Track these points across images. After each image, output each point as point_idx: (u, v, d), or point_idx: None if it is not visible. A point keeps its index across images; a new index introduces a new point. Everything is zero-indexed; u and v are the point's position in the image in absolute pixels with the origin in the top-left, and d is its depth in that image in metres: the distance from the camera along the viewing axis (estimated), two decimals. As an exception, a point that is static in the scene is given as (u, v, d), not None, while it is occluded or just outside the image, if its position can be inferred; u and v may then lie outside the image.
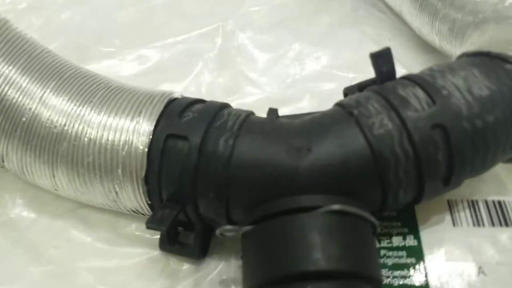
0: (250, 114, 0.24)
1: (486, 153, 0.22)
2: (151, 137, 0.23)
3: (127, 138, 0.23)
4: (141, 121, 0.23)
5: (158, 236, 0.27)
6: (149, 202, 0.24)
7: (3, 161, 0.26)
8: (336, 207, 0.20)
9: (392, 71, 0.24)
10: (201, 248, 0.26)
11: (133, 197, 0.24)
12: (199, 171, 0.22)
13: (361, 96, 0.23)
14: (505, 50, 0.24)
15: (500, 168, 0.28)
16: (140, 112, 0.23)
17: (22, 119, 0.24)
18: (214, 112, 0.23)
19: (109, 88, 0.25)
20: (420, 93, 0.22)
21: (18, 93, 0.25)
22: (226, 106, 0.25)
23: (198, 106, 0.24)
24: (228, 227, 0.21)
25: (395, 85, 0.23)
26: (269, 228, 0.20)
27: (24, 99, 0.25)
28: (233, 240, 0.27)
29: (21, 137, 0.24)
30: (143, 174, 0.23)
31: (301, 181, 0.21)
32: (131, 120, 0.23)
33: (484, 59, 0.24)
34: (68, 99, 0.25)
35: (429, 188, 0.22)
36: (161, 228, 0.22)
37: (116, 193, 0.24)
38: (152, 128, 0.23)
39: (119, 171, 0.23)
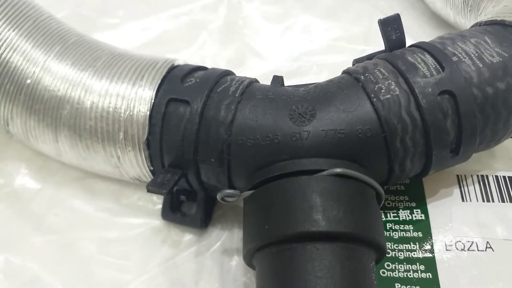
0: (253, 81, 0.24)
1: (497, 122, 0.21)
2: (152, 101, 0.22)
3: (129, 102, 0.23)
4: (143, 85, 0.23)
5: (160, 206, 0.27)
6: (151, 168, 0.24)
7: (8, 125, 0.26)
8: (338, 170, 0.19)
9: (402, 38, 0.23)
10: (204, 217, 0.25)
11: (135, 163, 0.23)
12: (200, 135, 0.22)
13: (368, 63, 0.22)
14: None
15: (511, 143, 0.27)
16: (142, 77, 0.23)
17: (27, 82, 0.24)
18: (217, 78, 0.23)
19: (112, 54, 0.25)
20: (429, 59, 0.21)
21: (22, 57, 0.24)
22: (229, 73, 0.24)
23: (200, 73, 0.24)
24: (229, 191, 0.21)
25: (404, 52, 0.22)
26: (270, 191, 0.20)
27: (28, 64, 0.24)
28: (235, 211, 0.27)
29: (25, 100, 0.24)
30: (145, 138, 0.22)
31: (304, 146, 0.20)
32: (133, 85, 0.23)
33: (497, 28, 0.23)
34: (72, 64, 0.24)
35: (437, 158, 0.21)
36: (161, 191, 0.21)
37: (118, 158, 0.23)
38: (154, 92, 0.22)
39: (121, 135, 0.23)
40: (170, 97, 0.22)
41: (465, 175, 0.25)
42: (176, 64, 0.24)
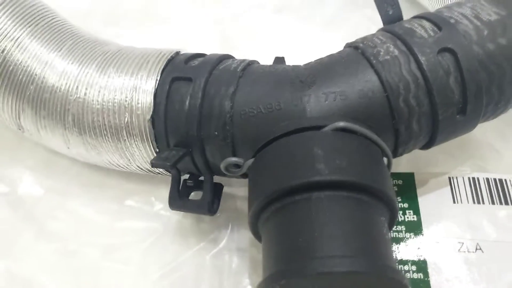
0: (255, 62, 0.25)
1: (503, 79, 0.21)
2: (157, 81, 0.23)
3: (135, 83, 0.24)
4: (148, 67, 0.24)
5: (160, 208, 0.28)
6: (157, 150, 0.24)
7: (19, 118, 0.27)
8: (341, 124, 0.19)
9: (398, 12, 0.23)
10: (211, 202, 0.25)
11: (141, 145, 0.24)
12: (203, 110, 0.22)
13: (367, 36, 0.23)
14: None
15: (501, 146, 0.28)
16: (148, 62, 0.24)
17: (36, 73, 0.25)
18: (219, 58, 0.24)
19: (119, 47, 0.26)
20: (426, 23, 0.22)
21: (29, 54, 0.26)
22: (231, 56, 0.25)
23: (202, 57, 0.25)
24: (234, 158, 0.21)
25: (401, 22, 0.23)
26: (273, 150, 0.20)
27: (35, 60, 0.25)
28: (236, 212, 0.28)
29: (35, 91, 0.25)
30: (149, 116, 0.23)
31: (306, 111, 0.20)
32: (139, 68, 0.24)
33: None
34: (79, 56, 0.26)
35: (444, 119, 0.21)
36: (166, 164, 0.22)
37: (125, 140, 0.24)
38: (159, 73, 0.23)
39: (127, 116, 0.23)
40: (173, 76, 0.23)
41: (456, 177, 0.26)
42: (180, 52, 0.25)
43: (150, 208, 0.29)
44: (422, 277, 0.23)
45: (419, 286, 0.23)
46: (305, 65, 0.23)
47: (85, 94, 0.24)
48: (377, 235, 0.18)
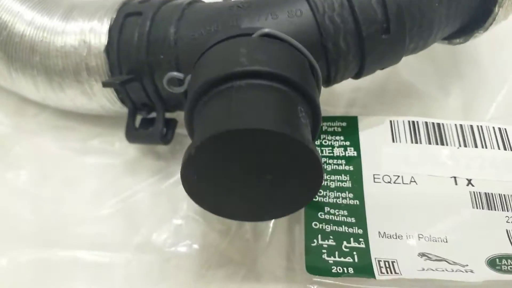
0: (204, 1, 0.27)
1: (420, 1, 0.23)
2: (113, 18, 0.26)
3: (94, 24, 0.26)
4: (106, 8, 0.26)
5: (122, 147, 0.30)
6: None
7: None
8: (266, 30, 0.21)
9: None
10: (162, 131, 0.27)
11: (98, 77, 0.26)
12: (151, 36, 0.24)
13: None
14: None
15: (441, 96, 0.30)
16: (105, 6, 0.27)
17: (7, 25, 0.28)
18: None
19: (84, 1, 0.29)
20: None
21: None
22: None
23: None
24: (175, 73, 0.23)
25: None
26: (207, 55, 0.22)
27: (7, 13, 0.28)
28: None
29: (6, 42, 0.28)
30: (103, 48, 0.25)
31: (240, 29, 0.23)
32: (98, 11, 0.27)
33: None
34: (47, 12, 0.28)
35: (369, 37, 0.22)
36: (114, 82, 0.24)
37: (84, 74, 0.26)
38: (114, 12, 0.26)
39: (85, 51, 0.26)
40: (126, 12, 0.26)
41: (397, 121, 0.27)
42: None
43: (111, 148, 0.31)
44: (358, 203, 0.25)
45: (354, 210, 0.24)
46: None
47: (50, 36, 0.27)
48: (292, 114, 0.19)
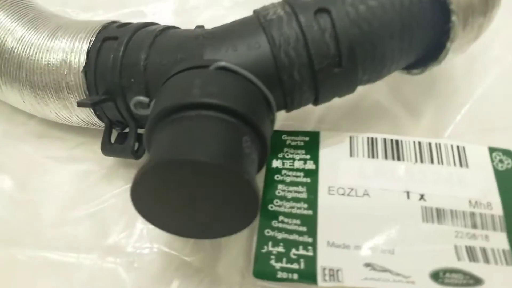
0: (177, 27, 0.29)
1: (374, 35, 0.24)
2: (92, 40, 0.28)
3: (75, 44, 0.28)
4: (87, 31, 0.29)
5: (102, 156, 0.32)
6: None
7: None
8: (222, 63, 0.23)
9: None
10: (133, 147, 0.29)
11: (77, 95, 0.28)
12: (124, 61, 0.26)
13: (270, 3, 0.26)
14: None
15: (402, 112, 0.31)
16: (87, 27, 0.29)
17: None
18: (146, 24, 0.28)
19: (71, 21, 0.31)
20: None
21: None
22: (159, 24, 0.30)
23: (138, 22, 0.29)
24: (141, 97, 0.25)
25: None
26: (167, 83, 0.24)
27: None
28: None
29: None
30: (82, 68, 0.28)
31: (204, 58, 0.24)
32: (80, 32, 0.29)
33: None
34: (33, 30, 0.31)
35: (322, 70, 0.24)
36: (87, 103, 0.26)
37: (65, 91, 0.28)
38: (93, 35, 0.28)
39: (66, 71, 0.28)
40: (105, 36, 0.28)
41: (356, 137, 0.28)
42: (118, 21, 0.30)
43: (93, 155, 0.32)
44: (311, 213, 0.26)
45: (307, 220, 0.25)
46: (214, 27, 0.27)
47: (35, 54, 0.29)
48: (235, 145, 0.21)
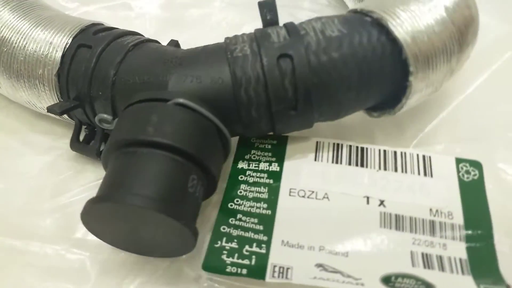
0: (152, 40, 0.30)
1: (331, 85, 0.25)
2: (67, 46, 0.29)
3: (53, 43, 0.29)
4: (65, 31, 0.29)
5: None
6: (61, 99, 0.29)
7: None
8: (180, 100, 0.24)
9: (275, 18, 0.28)
10: (99, 149, 0.30)
11: (49, 93, 0.29)
12: (95, 73, 0.27)
13: (241, 34, 0.28)
14: (375, 9, 0.26)
15: (371, 123, 0.31)
16: (66, 27, 0.30)
17: None
18: (122, 34, 0.29)
19: (55, 14, 0.32)
20: (282, 31, 0.26)
21: None
22: (138, 34, 0.30)
23: (115, 31, 0.30)
24: (104, 115, 0.26)
25: (272, 26, 0.27)
26: (129, 110, 0.25)
27: None
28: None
29: None
30: (56, 72, 0.28)
31: (168, 87, 0.25)
32: (59, 31, 0.29)
33: (352, 14, 0.27)
34: (18, 17, 0.31)
35: (278, 112, 0.25)
36: (56, 110, 0.27)
37: (39, 88, 0.29)
38: (70, 39, 0.29)
39: (40, 70, 0.29)
40: (79, 43, 0.28)
41: (323, 142, 0.29)
42: (97, 23, 0.31)
43: (69, 149, 0.33)
44: (270, 213, 0.26)
45: (265, 219, 0.25)
46: (186, 49, 0.28)
47: (15, 43, 0.30)
48: (178, 186, 0.22)
